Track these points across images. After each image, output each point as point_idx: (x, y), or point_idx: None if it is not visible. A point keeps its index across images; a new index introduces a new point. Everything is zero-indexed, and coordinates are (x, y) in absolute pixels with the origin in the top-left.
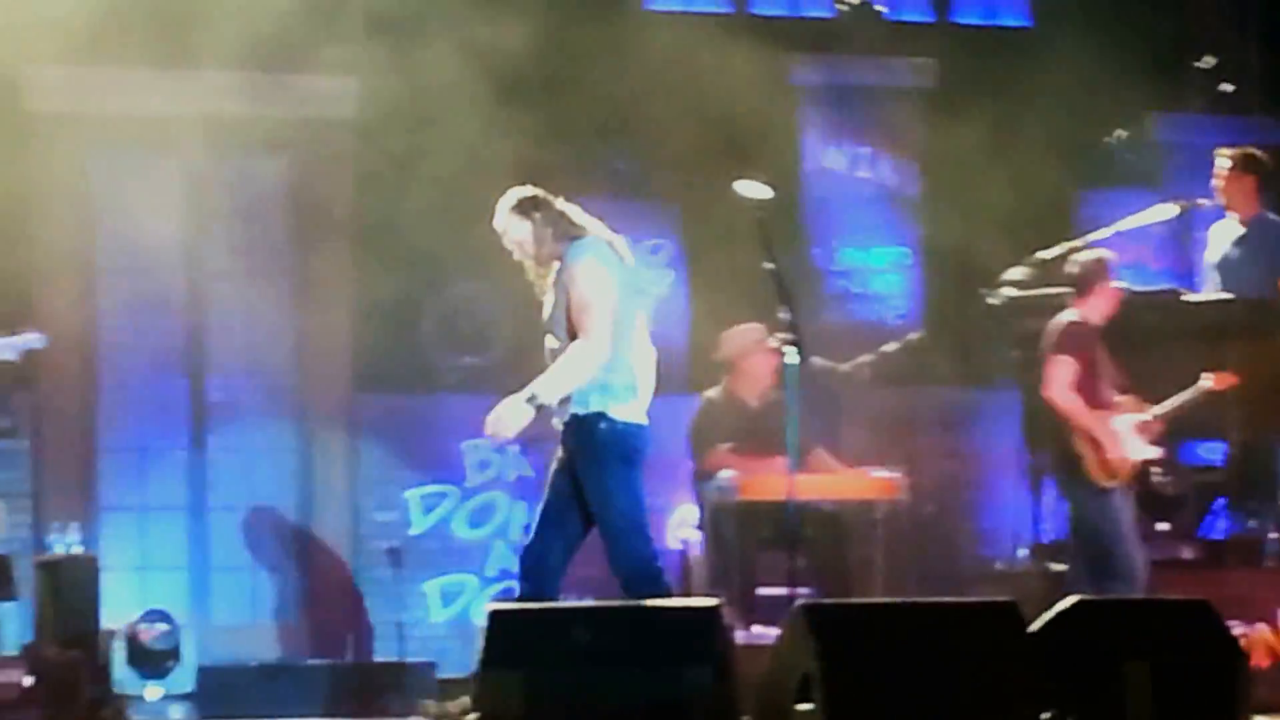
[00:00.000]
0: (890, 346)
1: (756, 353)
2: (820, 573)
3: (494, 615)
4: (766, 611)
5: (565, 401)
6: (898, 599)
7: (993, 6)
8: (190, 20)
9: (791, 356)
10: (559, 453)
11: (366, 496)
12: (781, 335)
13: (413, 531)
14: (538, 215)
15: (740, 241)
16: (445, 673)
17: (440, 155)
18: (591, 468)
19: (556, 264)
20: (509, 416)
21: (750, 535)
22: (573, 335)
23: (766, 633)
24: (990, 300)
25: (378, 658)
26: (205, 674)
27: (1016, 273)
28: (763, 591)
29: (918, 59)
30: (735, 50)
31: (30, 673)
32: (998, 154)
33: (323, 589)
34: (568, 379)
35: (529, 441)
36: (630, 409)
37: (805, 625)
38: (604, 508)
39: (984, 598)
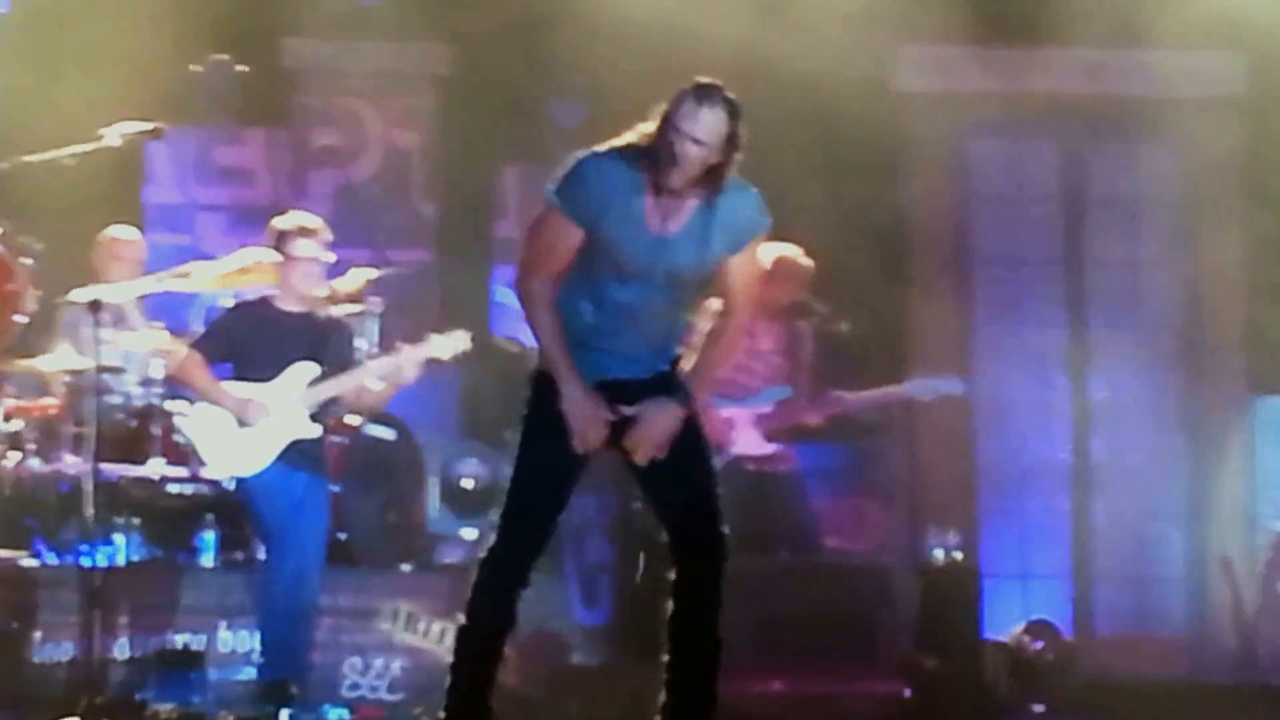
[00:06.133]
0: None
1: None
2: None
3: None
4: None
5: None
6: None
7: None
8: None
9: None
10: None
11: (1265, 504)
12: None
13: None
14: (743, 135)
15: None
16: None
17: None
18: (697, 424)
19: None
20: None
21: None
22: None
23: None
24: None
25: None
26: (1086, 689)
27: None
28: None
29: None
30: None
31: (908, 684)
32: None
33: (1217, 601)
34: None
35: None
36: None
37: None
38: (712, 468)
39: None
